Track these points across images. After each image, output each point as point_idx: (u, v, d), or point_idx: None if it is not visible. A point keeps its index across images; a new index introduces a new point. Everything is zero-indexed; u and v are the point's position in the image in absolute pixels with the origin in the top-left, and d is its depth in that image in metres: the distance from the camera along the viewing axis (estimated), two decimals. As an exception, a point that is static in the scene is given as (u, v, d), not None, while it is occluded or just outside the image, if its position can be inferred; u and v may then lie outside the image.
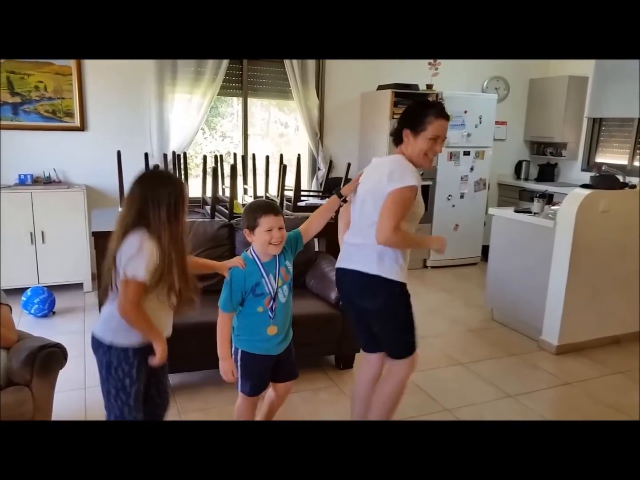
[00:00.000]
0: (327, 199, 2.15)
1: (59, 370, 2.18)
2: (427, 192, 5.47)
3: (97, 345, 1.81)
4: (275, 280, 2.03)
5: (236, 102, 5.29)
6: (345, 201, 2.22)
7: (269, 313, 2.04)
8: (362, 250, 2.10)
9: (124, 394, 1.81)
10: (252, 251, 2.04)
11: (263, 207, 2.00)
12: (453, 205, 5.56)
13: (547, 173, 6.20)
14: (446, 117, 2.05)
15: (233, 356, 2.11)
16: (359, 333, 2.34)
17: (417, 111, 2.07)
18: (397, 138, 2.12)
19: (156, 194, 1.70)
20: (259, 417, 2.35)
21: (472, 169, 5.55)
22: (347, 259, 2.18)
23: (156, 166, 3.67)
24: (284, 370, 2.18)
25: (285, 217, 3.64)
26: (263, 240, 1.96)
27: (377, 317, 2.17)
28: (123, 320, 1.74)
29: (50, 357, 2.12)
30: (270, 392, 2.29)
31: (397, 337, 2.18)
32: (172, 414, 2.68)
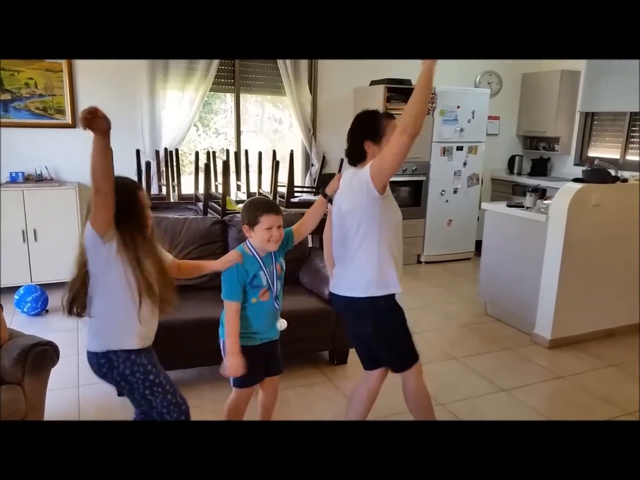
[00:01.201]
0: (309, 208, 2.14)
1: (51, 368, 2.18)
2: (420, 188, 5.47)
3: (100, 361, 1.76)
4: (271, 273, 2.08)
5: (230, 99, 5.27)
6: (331, 201, 2.18)
7: (275, 305, 2.09)
8: (348, 269, 2.11)
9: (158, 387, 1.79)
10: (249, 245, 2.07)
11: (265, 205, 2.04)
12: (446, 201, 5.57)
13: (540, 167, 6.22)
14: (394, 118, 2.08)
15: (223, 351, 2.11)
16: (358, 352, 2.33)
17: (370, 121, 2.07)
18: (357, 155, 2.07)
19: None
20: (258, 418, 2.36)
21: (465, 164, 5.56)
22: (338, 284, 2.18)
23: (147, 163, 3.65)
24: (271, 364, 2.19)
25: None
26: (262, 238, 2.01)
27: (374, 336, 2.17)
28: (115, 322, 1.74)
29: (42, 355, 2.11)
30: (259, 395, 2.30)
31: (395, 352, 2.18)
32: (166, 411, 2.68)
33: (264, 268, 2.05)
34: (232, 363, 1.98)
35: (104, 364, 1.76)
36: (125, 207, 1.68)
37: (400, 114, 1.97)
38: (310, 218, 2.23)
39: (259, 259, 2.05)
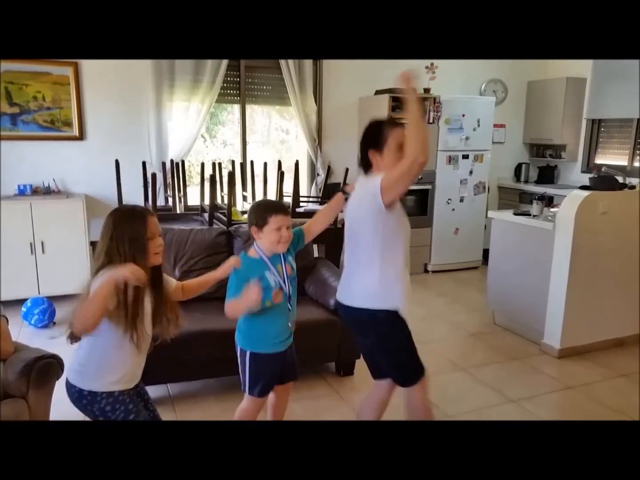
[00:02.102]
0: (326, 205, 2.12)
1: (56, 381, 2.17)
2: (426, 196, 5.46)
3: (83, 393, 1.73)
4: (280, 274, 2.04)
5: (237, 110, 5.29)
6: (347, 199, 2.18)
7: (288, 306, 2.06)
8: (352, 278, 2.10)
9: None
10: (256, 248, 2.04)
11: (273, 206, 2.04)
12: (453, 209, 5.55)
13: (547, 175, 6.18)
14: (401, 125, 2.04)
15: (240, 359, 2.09)
16: (366, 361, 2.30)
17: (373, 130, 2.08)
18: (366, 164, 2.10)
19: (120, 231, 1.65)
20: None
21: (471, 172, 5.54)
22: (342, 291, 2.16)
23: (153, 175, 3.67)
24: (287, 369, 2.17)
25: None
26: (272, 239, 1.98)
27: (377, 349, 2.15)
28: (102, 364, 1.71)
29: (47, 369, 2.11)
30: (270, 397, 2.27)
31: (399, 366, 2.15)
32: (172, 424, 2.67)
33: (271, 268, 2.02)
34: (245, 297, 1.89)
35: (86, 396, 1.72)
36: (134, 239, 1.65)
37: (405, 122, 1.98)
38: (323, 215, 2.21)
39: (265, 260, 2.01)
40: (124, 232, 1.65)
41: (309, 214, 4.06)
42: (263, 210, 2.00)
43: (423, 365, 2.15)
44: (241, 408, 2.16)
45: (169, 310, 1.81)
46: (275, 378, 2.13)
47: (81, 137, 4.57)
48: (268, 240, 1.99)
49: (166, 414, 2.73)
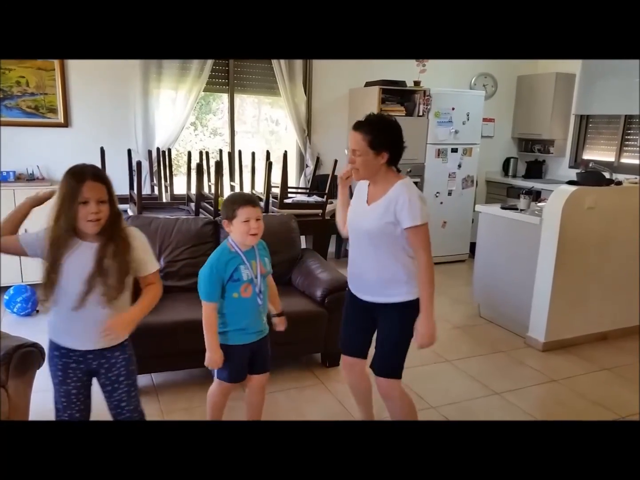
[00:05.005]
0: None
1: (36, 370, 2.14)
2: (415, 189, 5.45)
3: None
4: (254, 270, 2.09)
5: (227, 99, 5.24)
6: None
7: (258, 300, 2.10)
8: (367, 277, 2.12)
9: (55, 391, 1.82)
10: (231, 240, 2.09)
11: (241, 198, 2.08)
12: (441, 203, 5.55)
13: (535, 170, 6.22)
14: (354, 128, 2.06)
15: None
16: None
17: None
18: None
19: (59, 190, 1.71)
20: (246, 418, 2.36)
21: (459, 166, 5.54)
22: (353, 284, 2.23)
23: (139, 163, 3.62)
24: (257, 362, 2.21)
25: (271, 213, 3.62)
26: (241, 231, 2.02)
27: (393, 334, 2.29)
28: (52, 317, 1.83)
29: (27, 357, 2.08)
30: (246, 391, 2.31)
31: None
32: (155, 414, 2.65)
33: (245, 262, 2.06)
34: (210, 358, 2.07)
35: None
36: (60, 194, 1.67)
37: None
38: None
39: (241, 254, 2.06)
40: (60, 191, 1.67)
41: (297, 205, 4.05)
42: (231, 204, 2.05)
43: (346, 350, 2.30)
44: (210, 390, 2.24)
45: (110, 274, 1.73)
46: (243, 368, 2.18)
47: (66, 124, 4.49)
48: (238, 232, 2.03)
49: (150, 404, 2.72)
